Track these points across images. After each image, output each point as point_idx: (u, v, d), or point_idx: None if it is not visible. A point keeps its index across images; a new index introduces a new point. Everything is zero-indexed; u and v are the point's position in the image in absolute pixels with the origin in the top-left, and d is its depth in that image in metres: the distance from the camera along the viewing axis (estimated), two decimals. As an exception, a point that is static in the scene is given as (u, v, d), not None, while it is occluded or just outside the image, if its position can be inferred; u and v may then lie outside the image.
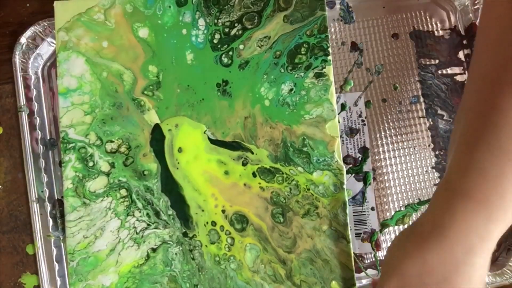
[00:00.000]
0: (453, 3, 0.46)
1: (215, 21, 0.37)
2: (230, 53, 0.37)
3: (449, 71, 0.46)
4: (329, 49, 0.37)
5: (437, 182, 0.44)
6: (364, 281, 0.43)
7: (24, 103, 0.42)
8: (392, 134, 0.45)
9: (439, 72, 0.46)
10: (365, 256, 0.43)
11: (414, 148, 0.45)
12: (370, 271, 0.43)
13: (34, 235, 0.42)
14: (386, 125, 0.45)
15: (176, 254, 0.35)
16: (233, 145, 0.36)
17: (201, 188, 0.36)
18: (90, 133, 0.36)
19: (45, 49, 0.44)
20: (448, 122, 0.45)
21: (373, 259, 0.43)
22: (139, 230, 0.35)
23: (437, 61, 0.46)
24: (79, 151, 0.35)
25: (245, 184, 0.36)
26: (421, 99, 0.45)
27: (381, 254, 0.43)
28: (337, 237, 0.36)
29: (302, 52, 0.37)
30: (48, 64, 0.44)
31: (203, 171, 0.36)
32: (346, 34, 0.46)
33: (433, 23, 0.46)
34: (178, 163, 0.36)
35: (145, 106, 0.36)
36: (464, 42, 0.46)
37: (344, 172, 0.37)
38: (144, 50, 0.36)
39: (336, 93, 0.45)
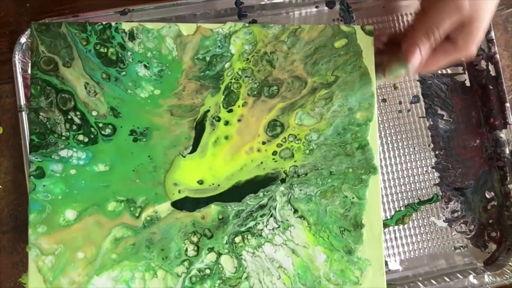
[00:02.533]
0: (453, 3, 0.46)
1: (65, 134, 0.36)
2: (94, 130, 0.36)
3: (449, 71, 0.46)
4: None
5: (437, 182, 0.44)
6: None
7: (24, 103, 0.42)
8: (392, 134, 0.45)
9: (439, 72, 0.46)
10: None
11: (414, 148, 0.45)
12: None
13: (34, 235, 0.42)
14: (386, 125, 0.45)
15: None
16: (199, 130, 0.36)
17: (230, 169, 0.36)
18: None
19: (45, 49, 0.44)
20: (448, 122, 0.45)
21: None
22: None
23: (437, 61, 0.46)
24: None
25: (239, 120, 0.37)
26: (421, 99, 0.45)
27: (381, 254, 0.43)
28: None
29: None
30: (48, 64, 0.44)
31: (208, 167, 0.36)
32: (346, 34, 0.46)
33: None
34: (178, 191, 0.36)
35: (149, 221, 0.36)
36: (464, 42, 0.46)
37: None
38: (88, 219, 0.35)
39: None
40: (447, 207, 0.44)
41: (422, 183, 0.44)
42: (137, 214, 0.35)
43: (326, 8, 0.46)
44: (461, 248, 0.44)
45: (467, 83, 0.46)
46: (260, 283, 0.35)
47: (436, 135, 0.45)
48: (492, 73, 0.45)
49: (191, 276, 0.35)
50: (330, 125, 0.37)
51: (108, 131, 0.36)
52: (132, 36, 0.36)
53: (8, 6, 0.45)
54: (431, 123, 0.45)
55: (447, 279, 0.42)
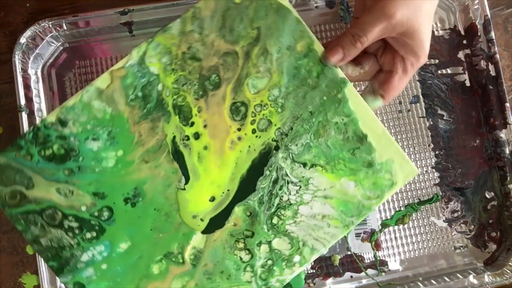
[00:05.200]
0: (453, 3, 0.46)
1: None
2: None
3: (449, 71, 0.46)
4: None
5: (437, 182, 0.44)
6: (364, 281, 0.43)
7: (24, 103, 0.42)
8: (392, 134, 0.45)
9: (439, 72, 0.46)
10: (364, 256, 0.43)
11: (414, 148, 0.45)
12: (370, 271, 0.43)
13: (34, 235, 0.42)
14: (386, 125, 0.45)
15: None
16: (179, 158, 0.36)
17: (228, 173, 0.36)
18: None
19: (45, 49, 0.44)
20: (448, 122, 0.45)
21: (373, 259, 0.43)
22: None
23: (437, 61, 0.46)
24: None
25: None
26: (421, 99, 0.45)
27: (381, 254, 0.43)
28: None
29: None
30: (48, 64, 0.44)
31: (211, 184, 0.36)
32: (346, 34, 0.46)
33: (433, 23, 0.46)
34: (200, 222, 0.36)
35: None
36: (464, 42, 0.46)
37: None
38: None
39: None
40: (447, 207, 0.44)
41: (422, 183, 0.44)
42: (181, 261, 0.35)
43: (326, 8, 0.46)
44: (461, 248, 0.44)
45: (467, 83, 0.46)
46: (317, 240, 0.36)
47: (436, 135, 0.45)
48: (492, 73, 0.45)
49: (259, 275, 0.36)
50: (282, 73, 0.36)
51: (106, 214, 0.35)
52: (62, 122, 0.35)
53: (8, 6, 0.45)
54: (431, 123, 0.45)
55: (447, 279, 0.42)
